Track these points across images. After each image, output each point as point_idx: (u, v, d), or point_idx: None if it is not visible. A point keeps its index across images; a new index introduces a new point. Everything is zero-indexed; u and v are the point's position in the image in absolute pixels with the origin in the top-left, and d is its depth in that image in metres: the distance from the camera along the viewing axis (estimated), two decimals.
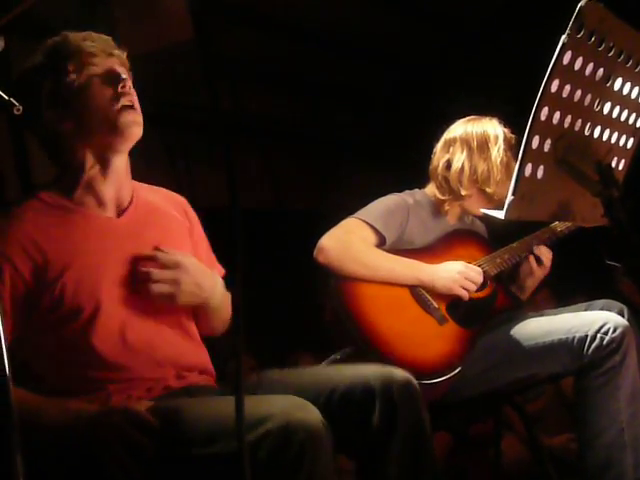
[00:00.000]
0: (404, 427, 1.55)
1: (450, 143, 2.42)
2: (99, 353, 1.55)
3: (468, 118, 2.47)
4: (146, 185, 1.79)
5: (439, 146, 2.46)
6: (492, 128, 2.40)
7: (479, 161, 2.36)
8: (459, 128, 2.44)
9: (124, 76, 1.58)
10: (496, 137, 2.38)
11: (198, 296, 1.68)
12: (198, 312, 1.76)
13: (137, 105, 1.61)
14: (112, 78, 1.57)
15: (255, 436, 1.30)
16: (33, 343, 1.55)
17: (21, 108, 1.05)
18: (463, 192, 2.38)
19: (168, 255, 1.63)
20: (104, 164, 1.62)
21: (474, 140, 2.38)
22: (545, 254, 2.40)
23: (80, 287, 1.54)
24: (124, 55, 1.64)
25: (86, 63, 1.56)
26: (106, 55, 1.59)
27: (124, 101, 1.58)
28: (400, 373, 1.61)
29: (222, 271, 1.85)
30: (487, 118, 2.44)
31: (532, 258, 2.39)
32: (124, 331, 1.58)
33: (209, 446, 1.37)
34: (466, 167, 2.36)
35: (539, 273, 2.41)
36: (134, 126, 1.59)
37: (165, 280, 1.61)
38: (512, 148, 2.37)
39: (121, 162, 1.65)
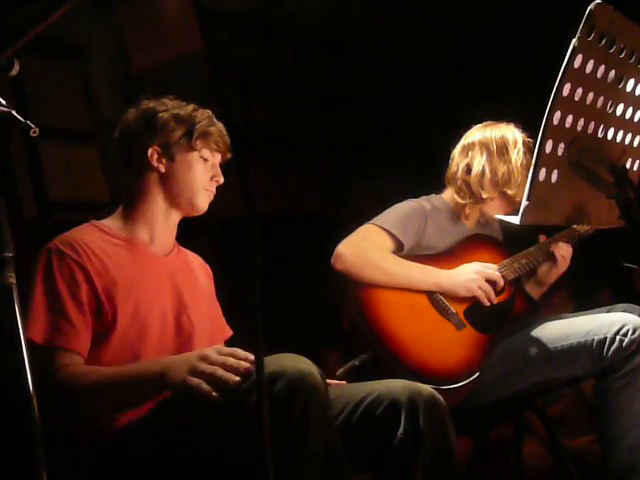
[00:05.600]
0: (429, 442, 1.56)
1: (469, 148, 2.42)
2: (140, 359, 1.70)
3: (485, 124, 2.47)
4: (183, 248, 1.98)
5: (457, 151, 2.45)
6: (510, 132, 2.40)
7: (499, 164, 2.35)
8: (477, 133, 2.44)
9: (221, 176, 1.85)
10: (515, 141, 2.38)
11: None
12: None
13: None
14: (214, 171, 1.85)
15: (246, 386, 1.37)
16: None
17: (37, 130, 1.05)
18: (484, 195, 2.37)
19: None
20: (167, 214, 1.83)
21: (493, 144, 2.38)
22: (564, 250, 2.38)
23: (137, 313, 1.69)
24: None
25: (208, 148, 1.82)
26: (220, 152, 1.85)
27: (210, 189, 1.84)
28: (426, 389, 1.63)
29: (230, 332, 1.98)
30: (504, 123, 2.44)
31: (553, 253, 2.36)
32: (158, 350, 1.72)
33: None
34: (487, 170, 2.36)
35: (560, 268, 2.39)
36: (206, 207, 1.86)
37: None
38: (531, 152, 2.36)
39: (178, 217, 1.87)
